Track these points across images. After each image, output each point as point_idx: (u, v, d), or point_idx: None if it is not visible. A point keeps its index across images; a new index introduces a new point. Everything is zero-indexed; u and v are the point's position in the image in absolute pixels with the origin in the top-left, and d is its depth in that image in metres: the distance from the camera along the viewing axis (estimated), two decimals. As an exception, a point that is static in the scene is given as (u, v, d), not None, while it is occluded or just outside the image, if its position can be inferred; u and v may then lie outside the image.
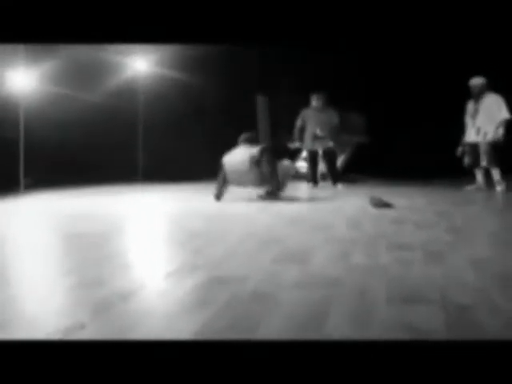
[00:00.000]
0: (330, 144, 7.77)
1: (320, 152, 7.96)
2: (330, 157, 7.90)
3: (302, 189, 7.60)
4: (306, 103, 7.96)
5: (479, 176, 6.88)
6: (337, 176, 7.89)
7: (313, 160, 8.00)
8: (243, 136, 5.73)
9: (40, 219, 4.26)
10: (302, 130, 7.93)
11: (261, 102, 10.47)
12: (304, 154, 8.84)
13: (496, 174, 6.66)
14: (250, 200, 5.32)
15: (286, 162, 5.98)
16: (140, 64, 9.06)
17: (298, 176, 9.36)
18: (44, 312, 1.62)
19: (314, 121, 7.77)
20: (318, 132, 7.68)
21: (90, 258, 2.45)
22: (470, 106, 6.92)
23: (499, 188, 6.62)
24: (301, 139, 8.04)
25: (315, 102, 7.78)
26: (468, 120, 6.94)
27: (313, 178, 7.99)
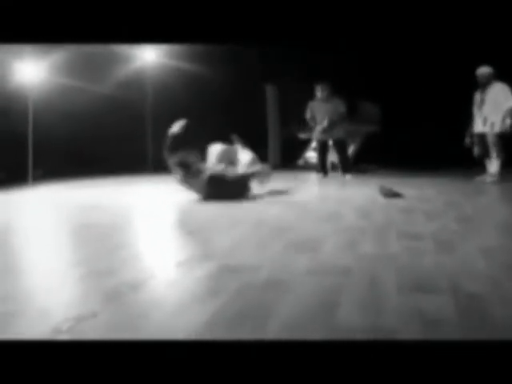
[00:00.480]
0: (340, 134, 7.75)
1: (330, 142, 7.96)
2: (340, 146, 7.88)
3: (312, 179, 7.59)
4: (311, 95, 7.96)
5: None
6: (347, 166, 7.87)
7: (322, 150, 7.99)
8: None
9: (50, 210, 4.29)
10: (313, 120, 7.94)
11: (270, 92, 10.43)
12: (314, 144, 8.83)
13: (496, 165, 6.56)
14: (258, 190, 5.31)
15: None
16: (148, 55, 9.04)
17: (307, 166, 9.35)
18: (55, 302, 1.64)
19: (320, 111, 7.77)
20: (325, 123, 7.67)
21: (100, 249, 2.47)
22: (477, 95, 6.84)
23: (489, 179, 6.50)
24: (310, 129, 8.07)
25: (319, 93, 7.78)
26: (475, 110, 6.86)
27: (322, 168, 7.98)
